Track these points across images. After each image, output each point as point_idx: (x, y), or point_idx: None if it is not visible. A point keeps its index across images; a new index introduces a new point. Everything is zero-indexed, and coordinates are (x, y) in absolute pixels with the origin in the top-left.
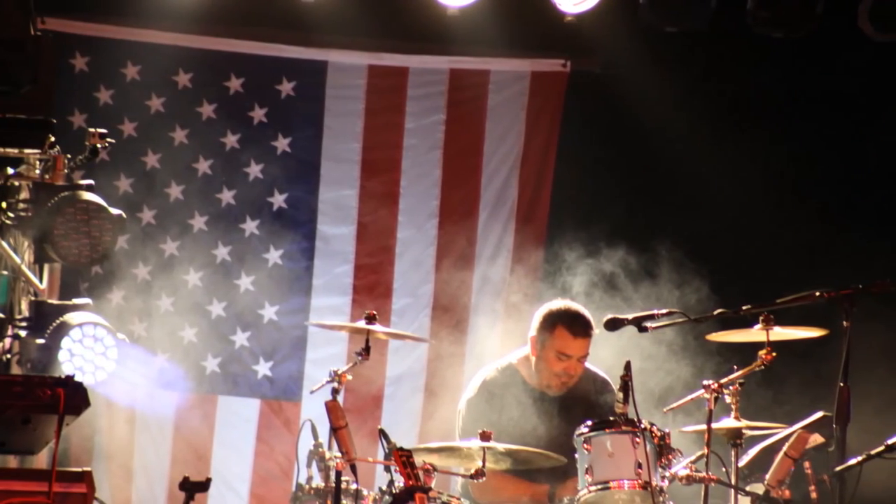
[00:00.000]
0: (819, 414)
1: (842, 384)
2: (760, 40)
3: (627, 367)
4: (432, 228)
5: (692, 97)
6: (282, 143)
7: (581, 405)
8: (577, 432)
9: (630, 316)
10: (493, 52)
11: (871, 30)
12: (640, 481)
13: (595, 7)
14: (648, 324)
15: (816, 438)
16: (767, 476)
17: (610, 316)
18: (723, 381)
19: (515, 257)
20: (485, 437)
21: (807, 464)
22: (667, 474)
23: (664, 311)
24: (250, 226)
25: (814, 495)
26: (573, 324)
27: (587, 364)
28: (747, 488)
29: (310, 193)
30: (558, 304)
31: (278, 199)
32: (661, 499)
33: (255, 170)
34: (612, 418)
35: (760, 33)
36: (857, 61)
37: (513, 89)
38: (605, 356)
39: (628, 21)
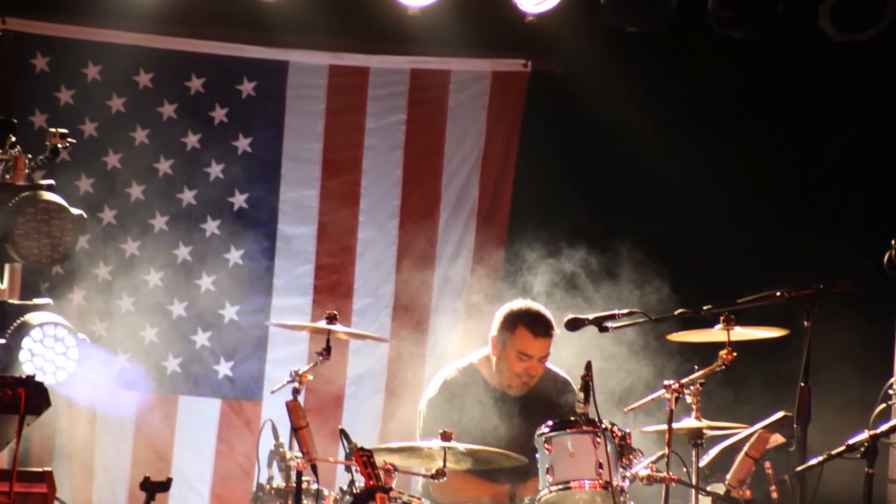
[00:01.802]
0: (780, 414)
1: (803, 384)
2: (721, 40)
3: (588, 367)
4: (393, 228)
5: (653, 97)
6: (242, 143)
7: (542, 405)
8: (538, 432)
9: (591, 316)
10: (454, 53)
11: (832, 30)
12: (600, 481)
13: (556, 7)
14: (609, 324)
15: (777, 438)
16: (728, 476)
17: (571, 316)
18: (684, 381)
19: (476, 257)
20: (445, 437)
21: (768, 464)
22: (628, 474)
23: (625, 311)
24: (211, 226)
25: (775, 495)
26: (534, 324)
27: (548, 364)
28: (708, 488)
29: (271, 193)
30: (519, 304)
31: (239, 199)
32: (621, 499)
33: (215, 170)
34: (572, 418)
35: (721, 33)
36: (817, 61)
37: (474, 89)
38: (565, 356)
39: (589, 21)
